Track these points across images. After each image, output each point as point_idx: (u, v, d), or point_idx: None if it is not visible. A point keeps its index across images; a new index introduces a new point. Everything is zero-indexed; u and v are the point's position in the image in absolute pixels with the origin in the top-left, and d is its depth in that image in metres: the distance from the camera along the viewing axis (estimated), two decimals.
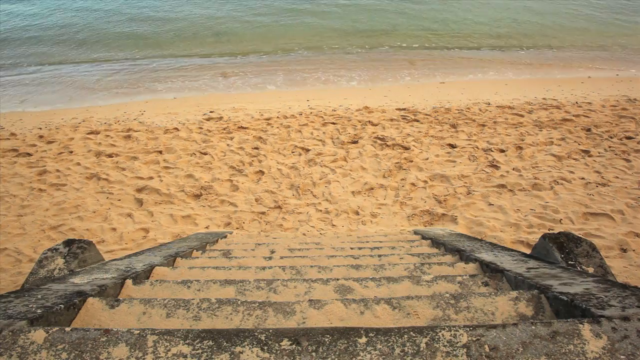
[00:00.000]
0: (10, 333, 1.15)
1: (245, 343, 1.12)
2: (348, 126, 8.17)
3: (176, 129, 8.25)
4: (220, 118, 8.84)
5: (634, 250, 4.11)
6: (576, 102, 9.27)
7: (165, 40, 15.78)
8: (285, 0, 20.41)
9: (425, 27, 17.05)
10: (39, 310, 1.35)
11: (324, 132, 7.90)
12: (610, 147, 6.81)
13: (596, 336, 1.10)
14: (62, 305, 1.43)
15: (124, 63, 13.82)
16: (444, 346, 1.10)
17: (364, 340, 1.12)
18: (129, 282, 1.89)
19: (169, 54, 14.50)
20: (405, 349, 1.09)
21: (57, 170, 6.70)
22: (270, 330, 1.17)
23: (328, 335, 1.13)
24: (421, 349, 1.09)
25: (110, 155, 7.24)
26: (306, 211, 5.51)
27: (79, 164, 6.94)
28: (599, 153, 6.62)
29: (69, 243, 2.25)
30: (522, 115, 8.50)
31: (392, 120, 8.44)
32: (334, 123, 8.34)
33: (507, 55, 14.45)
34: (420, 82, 12.08)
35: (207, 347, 1.12)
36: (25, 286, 1.87)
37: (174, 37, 16.11)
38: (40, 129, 8.59)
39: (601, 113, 8.43)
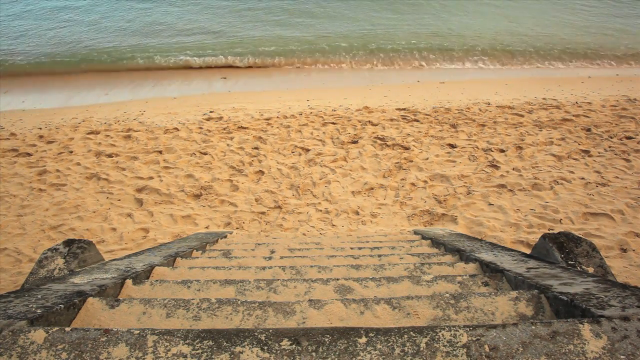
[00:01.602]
0: (10, 333, 1.15)
1: (245, 343, 1.12)
2: (348, 126, 8.17)
3: (176, 128, 8.25)
4: (220, 118, 8.84)
5: (634, 250, 4.11)
6: (576, 102, 9.27)
7: (165, 40, 15.79)
8: (285, 1, 20.41)
9: (425, 27, 17.05)
10: (39, 310, 1.35)
11: (324, 132, 7.90)
12: (610, 147, 6.81)
13: (596, 336, 1.10)
14: (62, 305, 1.43)
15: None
16: (444, 346, 1.10)
17: (364, 340, 1.12)
18: (129, 282, 1.89)
19: (169, 53, 14.50)
20: (405, 349, 1.09)
21: (57, 170, 6.70)
22: (270, 330, 1.17)
23: (328, 335, 1.13)
24: (421, 349, 1.09)
25: (110, 155, 7.24)
26: (306, 211, 5.51)
27: (79, 164, 6.94)
28: (599, 153, 6.62)
29: (69, 243, 2.25)
30: (522, 115, 8.50)
31: (392, 120, 8.44)
32: (334, 123, 8.34)
33: (507, 56, 14.45)
34: (420, 82, 12.08)
35: (207, 347, 1.12)
36: (25, 286, 1.87)
37: (173, 34, 16.13)
38: (40, 129, 8.59)
39: (601, 113, 8.43)
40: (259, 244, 3.51)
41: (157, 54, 14.33)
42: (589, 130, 7.55)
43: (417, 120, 8.38)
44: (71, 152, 7.39)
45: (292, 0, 20.37)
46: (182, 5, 20.34)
